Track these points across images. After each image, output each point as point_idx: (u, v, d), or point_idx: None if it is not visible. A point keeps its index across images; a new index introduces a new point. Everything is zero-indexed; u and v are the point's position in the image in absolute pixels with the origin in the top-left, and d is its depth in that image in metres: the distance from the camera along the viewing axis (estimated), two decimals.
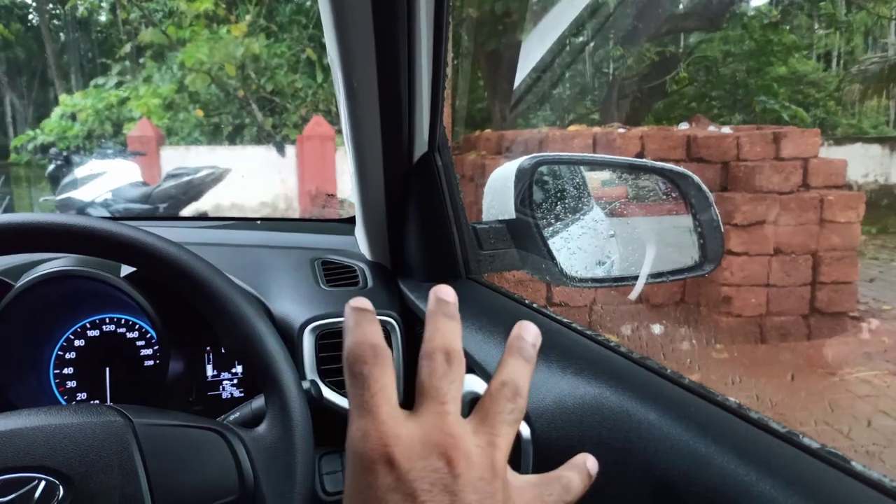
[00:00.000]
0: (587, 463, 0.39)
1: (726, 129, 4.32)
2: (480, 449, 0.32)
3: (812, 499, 0.34)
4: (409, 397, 0.81)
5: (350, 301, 0.37)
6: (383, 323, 0.81)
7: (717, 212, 0.90)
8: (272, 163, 7.03)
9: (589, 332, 0.63)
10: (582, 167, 1.12)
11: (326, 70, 8.26)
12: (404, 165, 0.82)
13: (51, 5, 11.32)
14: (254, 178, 6.66)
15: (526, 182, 0.91)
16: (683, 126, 4.70)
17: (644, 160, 1.02)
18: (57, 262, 0.76)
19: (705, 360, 3.23)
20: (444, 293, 0.39)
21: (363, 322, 0.36)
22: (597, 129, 4.44)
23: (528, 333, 0.40)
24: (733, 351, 3.58)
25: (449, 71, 0.83)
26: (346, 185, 6.92)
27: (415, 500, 0.28)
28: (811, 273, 3.87)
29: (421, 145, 0.82)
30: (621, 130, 4.23)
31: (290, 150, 7.29)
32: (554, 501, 0.36)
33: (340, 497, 0.78)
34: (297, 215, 6.61)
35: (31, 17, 11.54)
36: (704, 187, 0.90)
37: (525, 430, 0.55)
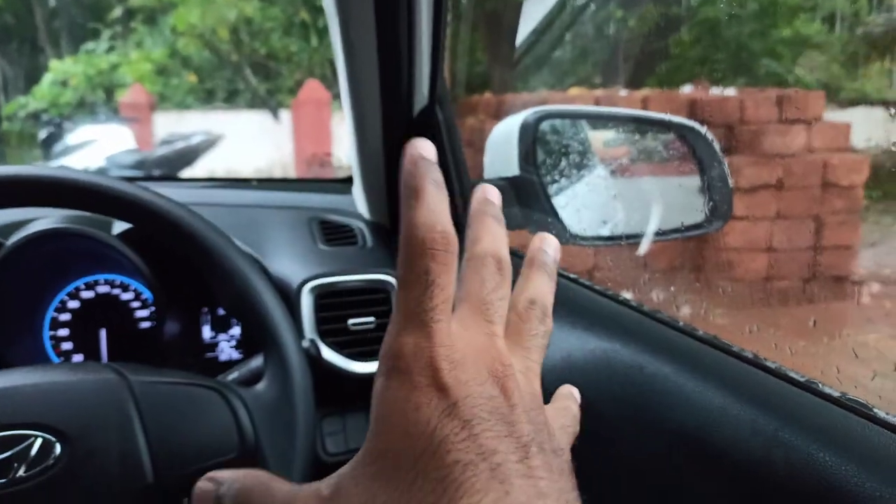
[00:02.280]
0: (574, 392, 0.38)
1: (729, 92, 4.26)
2: (524, 376, 0.29)
3: (834, 445, 0.33)
4: None
5: (413, 143, 0.30)
6: (383, 283, 0.79)
7: (727, 167, 0.88)
8: (267, 128, 6.96)
9: (598, 287, 0.61)
10: (585, 123, 1.09)
11: (321, 33, 8.11)
12: (404, 120, 0.80)
13: None
14: (249, 145, 6.59)
15: (530, 138, 0.89)
16: (687, 89, 4.63)
17: (650, 112, 1.00)
18: (46, 221, 0.74)
19: (705, 325, 3.23)
20: (491, 193, 0.34)
21: (434, 192, 0.28)
22: (598, 91, 4.37)
23: (549, 246, 0.35)
24: (734, 316, 3.59)
25: (448, 31, 0.80)
26: (344, 151, 6.86)
27: (472, 429, 0.25)
28: (813, 237, 3.86)
29: (421, 99, 0.79)
30: (623, 93, 4.17)
31: (286, 115, 7.20)
32: (571, 430, 0.35)
33: (343, 458, 0.78)
34: (290, 177, 6.57)
35: None
36: (713, 141, 0.88)
37: None
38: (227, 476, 0.30)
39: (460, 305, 0.30)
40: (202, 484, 0.30)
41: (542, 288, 0.33)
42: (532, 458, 0.26)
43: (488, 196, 0.33)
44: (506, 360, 0.28)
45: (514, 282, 0.33)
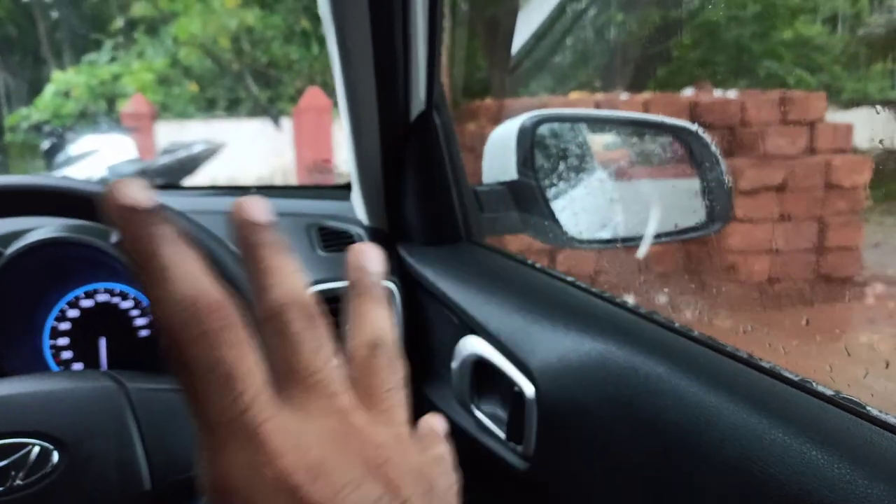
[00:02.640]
0: (436, 427, 0.29)
1: (731, 94, 4.26)
2: (400, 450, 0.22)
3: (828, 444, 0.33)
4: (414, 361, 0.80)
5: (115, 189, 0.21)
6: None
7: (726, 168, 0.88)
8: (268, 136, 6.98)
9: (594, 290, 0.61)
10: (584, 128, 1.09)
11: (322, 42, 8.09)
12: (401, 125, 0.80)
13: None
14: (250, 152, 6.62)
15: (528, 142, 0.89)
16: (688, 91, 4.64)
17: (648, 115, 0.99)
18: (46, 230, 0.75)
19: (708, 328, 3.23)
20: (255, 211, 0.24)
21: (173, 252, 0.20)
22: (599, 95, 4.37)
23: (370, 261, 0.27)
24: (736, 318, 3.58)
25: (446, 37, 0.80)
26: (344, 157, 6.88)
27: None
28: (816, 239, 3.84)
29: (418, 104, 0.79)
30: (624, 97, 4.18)
31: (287, 122, 7.23)
32: (454, 484, 0.26)
33: None
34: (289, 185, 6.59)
35: None
36: (711, 143, 0.88)
37: (529, 390, 0.54)
38: None
39: (283, 387, 0.21)
40: None
41: (379, 323, 0.25)
42: None
43: (253, 216, 0.24)
44: (376, 440, 0.21)
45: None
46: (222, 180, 5.89)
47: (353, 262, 0.27)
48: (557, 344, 0.53)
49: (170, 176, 4.41)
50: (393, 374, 0.25)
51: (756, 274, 3.77)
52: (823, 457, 0.32)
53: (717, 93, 4.39)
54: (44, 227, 0.76)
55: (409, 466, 0.22)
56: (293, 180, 7.11)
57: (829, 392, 0.37)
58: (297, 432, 0.20)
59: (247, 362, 0.20)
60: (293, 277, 0.23)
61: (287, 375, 0.22)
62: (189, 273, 0.20)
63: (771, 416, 0.35)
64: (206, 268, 0.21)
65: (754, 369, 0.41)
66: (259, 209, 0.24)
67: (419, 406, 0.82)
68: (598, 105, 4.08)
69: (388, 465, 0.21)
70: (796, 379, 0.39)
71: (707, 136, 0.88)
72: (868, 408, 0.35)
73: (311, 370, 0.22)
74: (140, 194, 0.21)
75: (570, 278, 0.66)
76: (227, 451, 0.19)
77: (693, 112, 3.99)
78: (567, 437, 0.50)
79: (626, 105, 3.98)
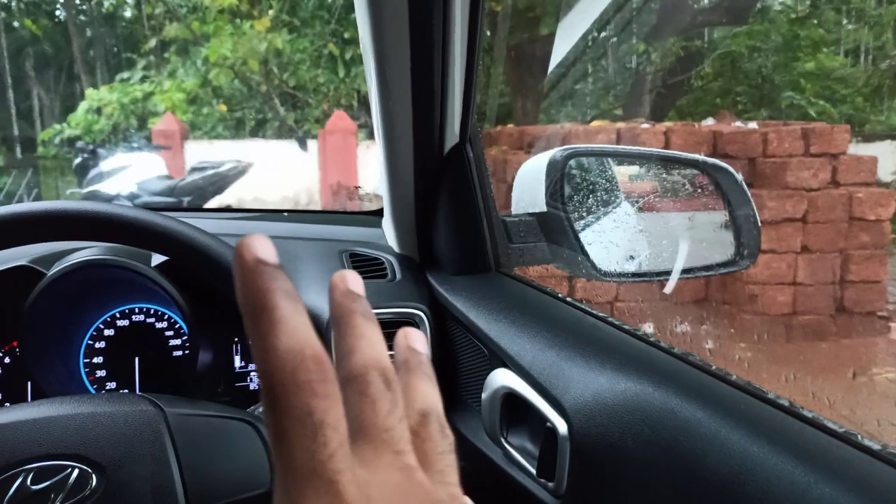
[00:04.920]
0: None
1: (752, 125, 4.25)
2: (456, 502, 0.25)
3: (877, 501, 0.32)
4: (442, 390, 0.80)
5: (247, 244, 0.23)
6: (412, 316, 0.80)
7: (755, 207, 0.88)
8: (294, 157, 7.08)
9: (627, 327, 0.61)
10: (611, 161, 1.10)
11: (348, 65, 8.28)
12: (435, 157, 0.81)
13: (77, 1, 11.49)
14: (276, 173, 6.71)
15: (557, 175, 0.90)
16: (709, 122, 4.63)
17: (681, 153, 1.00)
18: (88, 251, 0.77)
19: (728, 361, 3.18)
20: (353, 282, 0.28)
21: (289, 306, 0.23)
22: (620, 124, 4.39)
23: (417, 342, 0.29)
24: (757, 350, 3.53)
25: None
26: (368, 180, 6.94)
27: None
28: (839, 271, 3.79)
29: (452, 137, 0.81)
30: (645, 126, 4.18)
31: (312, 144, 7.33)
32: None
33: None
34: (319, 209, 6.65)
35: (58, 12, 11.74)
36: (742, 182, 0.88)
37: (562, 427, 0.54)
38: None
39: (360, 448, 0.23)
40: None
41: (429, 396, 0.27)
42: None
43: (350, 287, 0.27)
44: (435, 496, 0.23)
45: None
46: (248, 200, 5.97)
47: (402, 343, 0.29)
48: (592, 382, 0.53)
49: (198, 194, 4.47)
50: (444, 440, 0.26)
51: (778, 306, 3.72)
52: None
53: (738, 123, 4.38)
54: (84, 249, 0.78)
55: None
56: (318, 201, 7.18)
57: (875, 446, 0.37)
58: (367, 485, 0.22)
59: (336, 415, 0.22)
60: (380, 345, 0.26)
61: (361, 432, 0.24)
62: (300, 326, 0.22)
63: (818, 470, 0.35)
64: (312, 326, 0.23)
65: (796, 418, 0.41)
66: (356, 282, 0.27)
67: None
68: (619, 133, 4.09)
69: None
70: (840, 430, 0.39)
71: (739, 175, 0.88)
72: None
73: (384, 428, 0.24)
74: (267, 251, 0.23)
75: (601, 314, 0.66)
76: (305, 496, 0.21)
77: (714, 142, 3.98)
78: (601, 478, 0.50)
79: (648, 134, 3.99)
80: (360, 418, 0.24)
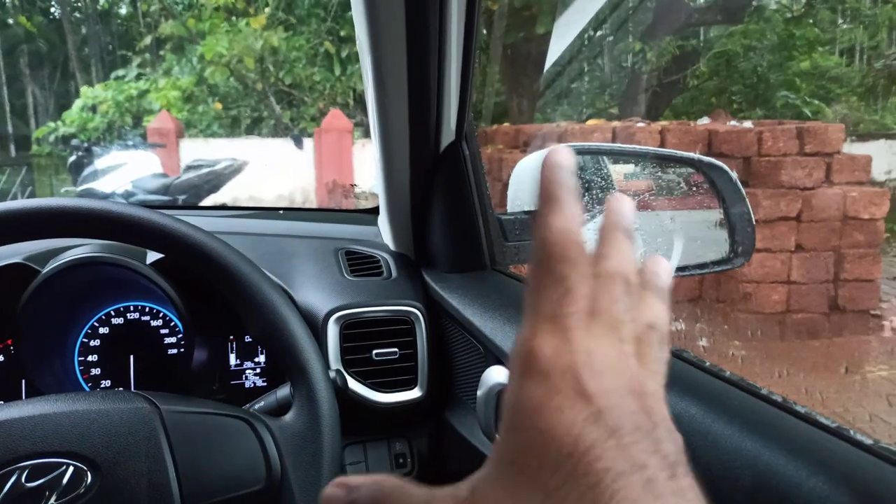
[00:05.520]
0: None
1: (747, 124, 4.26)
2: (657, 398, 0.28)
3: (867, 494, 0.33)
4: (437, 388, 0.79)
5: (554, 150, 0.30)
6: (407, 314, 0.80)
7: (749, 205, 0.88)
8: (290, 155, 7.06)
9: None
10: (607, 159, 1.10)
11: (344, 63, 8.27)
12: (431, 155, 0.81)
13: None
14: (271, 171, 6.69)
15: None
16: (704, 121, 4.64)
17: (676, 151, 1.00)
18: (83, 249, 0.76)
19: (721, 358, 3.19)
20: (625, 206, 0.32)
21: (572, 202, 0.29)
22: (616, 123, 4.39)
23: (662, 268, 0.33)
24: (752, 348, 3.54)
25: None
26: (364, 178, 6.93)
27: (620, 438, 0.24)
28: (833, 270, 3.81)
29: (448, 134, 0.81)
30: (641, 124, 4.19)
31: (308, 143, 7.31)
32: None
33: None
34: (315, 207, 6.63)
35: (52, 9, 11.68)
36: (737, 180, 0.88)
37: None
38: (361, 481, 0.28)
39: (592, 321, 0.28)
40: (331, 490, 0.29)
41: (659, 313, 0.31)
42: (680, 479, 0.24)
43: (623, 209, 0.32)
44: (643, 380, 0.27)
45: None
46: (243, 198, 5.96)
47: (650, 266, 0.33)
48: None
49: (193, 192, 4.46)
50: (661, 350, 0.30)
51: (772, 305, 3.74)
52: None
53: (733, 122, 4.39)
54: (79, 247, 0.78)
55: (664, 412, 0.27)
56: (313, 200, 7.17)
57: (867, 441, 0.37)
58: (589, 345, 0.27)
59: (583, 289, 0.27)
60: (630, 259, 0.30)
61: (598, 314, 0.28)
62: (575, 217, 0.28)
63: (809, 464, 0.35)
64: (583, 222, 0.29)
65: (789, 414, 0.41)
66: (627, 206, 0.33)
67: (440, 432, 0.82)
68: (614, 132, 4.10)
69: (647, 397, 0.26)
70: (833, 426, 0.39)
71: (734, 173, 0.88)
72: None
73: (615, 318, 0.28)
74: (568, 158, 0.30)
75: None
76: (543, 333, 0.27)
77: (710, 141, 3.99)
78: None
79: (643, 132, 4.00)
80: (599, 305, 0.28)
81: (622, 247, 0.30)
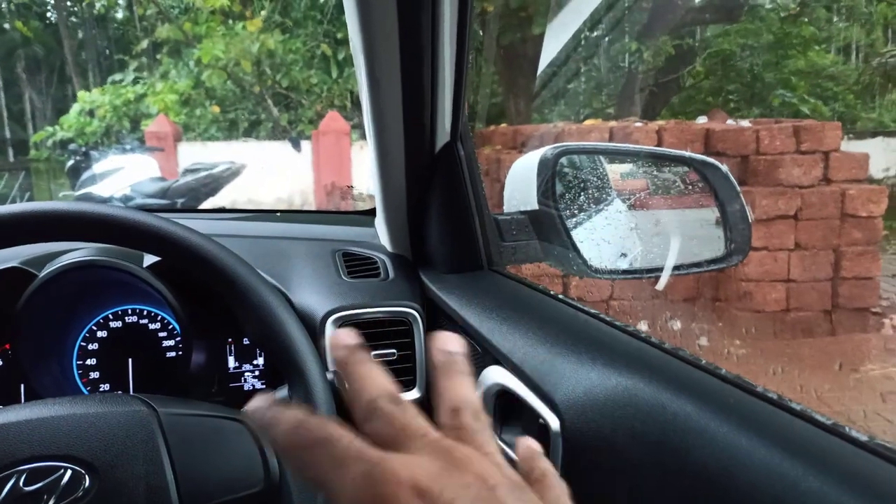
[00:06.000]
0: (535, 448, 0.36)
1: (745, 123, 4.26)
2: (496, 459, 0.30)
3: (866, 492, 0.33)
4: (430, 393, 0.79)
5: (337, 337, 0.35)
6: (404, 315, 0.80)
7: (745, 202, 0.88)
8: (288, 158, 7.06)
9: (618, 323, 0.61)
10: (602, 158, 1.10)
11: (341, 66, 8.27)
12: (426, 156, 0.81)
13: (69, 2, 11.44)
14: (270, 174, 6.69)
15: (549, 173, 0.90)
16: (701, 120, 4.65)
17: (669, 149, 1.00)
18: (80, 252, 0.76)
19: (720, 357, 3.20)
20: (451, 344, 0.35)
21: (371, 368, 0.33)
22: (613, 123, 4.40)
23: (450, 344, 0.36)
24: (751, 347, 3.55)
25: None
26: (362, 180, 6.93)
27: None
28: (832, 268, 3.81)
29: (443, 135, 0.81)
30: (638, 124, 4.19)
31: (306, 145, 7.31)
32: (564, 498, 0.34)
33: None
34: (312, 209, 6.62)
35: (49, 14, 11.67)
36: (732, 177, 0.88)
37: (554, 423, 0.54)
38: (287, 415, 0.30)
39: (401, 445, 0.30)
40: (256, 405, 0.31)
41: (463, 391, 0.34)
42: None
43: (348, 343, 0.35)
44: (469, 452, 0.29)
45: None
46: (242, 201, 5.95)
47: (439, 347, 0.36)
48: (583, 378, 0.53)
49: (192, 195, 4.45)
50: (478, 423, 0.32)
51: (771, 303, 3.74)
52: None
53: (731, 121, 4.40)
54: (77, 250, 0.78)
55: (507, 475, 0.29)
56: (312, 202, 7.17)
57: (863, 438, 0.37)
58: (410, 461, 0.28)
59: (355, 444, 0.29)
60: (380, 379, 0.33)
61: (399, 437, 0.30)
62: (375, 378, 0.33)
63: (806, 463, 0.35)
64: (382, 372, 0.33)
65: (785, 411, 0.41)
66: (351, 337, 0.35)
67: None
68: (612, 132, 4.10)
69: (479, 462, 0.28)
70: (829, 423, 0.39)
71: (727, 169, 0.88)
72: None
73: (415, 430, 0.30)
74: (351, 338, 0.35)
75: (593, 311, 0.67)
76: (364, 463, 0.28)
77: (707, 140, 4.00)
78: (593, 473, 0.50)
79: (640, 132, 4.00)
80: (392, 430, 0.31)
81: (368, 373, 0.33)
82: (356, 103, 8.32)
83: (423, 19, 0.67)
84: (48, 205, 0.58)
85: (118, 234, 0.59)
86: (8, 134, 11.26)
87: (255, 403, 0.31)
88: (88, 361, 0.81)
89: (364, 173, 6.87)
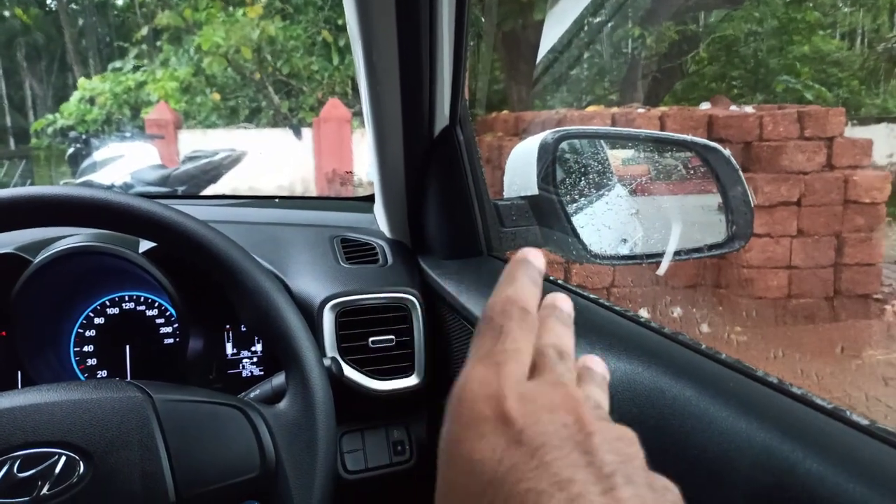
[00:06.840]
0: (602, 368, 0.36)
1: (748, 109, 4.23)
2: (601, 411, 0.30)
3: (862, 475, 0.32)
4: (434, 374, 0.79)
5: (522, 251, 0.35)
6: (403, 301, 0.80)
7: (747, 186, 0.87)
8: (289, 146, 7.04)
9: (618, 308, 0.61)
10: (604, 143, 1.09)
11: (342, 52, 8.21)
12: (425, 140, 0.80)
13: None
14: (271, 162, 6.67)
15: (549, 157, 0.89)
16: (705, 106, 4.61)
17: (670, 133, 0.99)
18: (75, 238, 0.76)
19: (722, 343, 3.20)
20: (533, 255, 0.35)
21: (524, 281, 0.33)
22: (616, 109, 4.37)
23: (561, 302, 0.36)
24: (753, 333, 3.55)
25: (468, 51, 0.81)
26: (363, 167, 6.91)
27: (542, 456, 0.24)
28: (834, 255, 3.80)
29: (442, 119, 0.80)
30: (641, 110, 4.16)
31: (307, 133, 7.28)
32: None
33: (362, 475, 0.77)
34: (311, 195, 6.61)
35: (49, 1, 11.60)
36: (733, 161, 0.87)
37: None
38: None
39: (520, 355, 0.30)
40: None
41: (554, 334, 0.33)
42: (619, 490, 0.23)
43: (528, 258, 0.35)
44: (578, 393, 0.28)
45: None
46: (243, 189, 5.94)
47: (549, 299, 0.36)
48: None
49: (192, 183, 4.44)
50: (561, 362, 0.32)
51: (773, 290, 3.73)
52: (861, 489, 0.31)
53: (734, 107, 4.36)
54: (73, 236, 0.77)
55: (598, 420, 0.27)
56: (313, 189, 7.15)
57: (864, 422, 0.37)
58: (523, 376, 0.29)
59: (519, 334, 0.30)
60: (525, 291, 0.34)
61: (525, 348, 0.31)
62: (527, 292, 0.33)
63: (806, 445, 0.35)
64: (537, 294, 0.34)
65: (785, 395, 0.41)
66: (535, 256, 0.35)
67: (438, 419, 0.82)
68: (614, 118, 4.08)
69: (580, 406, 0.27)
70: (829, 407, 0.38)
71: (729, 153, 0.87)
72: None
73: (552, 366, 0.31)
74: (535, 258, 0.35)
75: (592, 296, 0.66)
76: (473, 370, 0.29)
77: (710, 126, 3.97)
78: None
79: (643, 118, 3.97)
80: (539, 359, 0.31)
81: (517, 276, 0.34)
82: (357, 90, 8.28)
83: (422, 2, 0.66)
84: (44, 189, 0.57)
85: (112, 219, 0.58)
86: (9, 122, 11.24)
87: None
88: (86, 348, 0.81)
89: (365, 160, 6.85)
